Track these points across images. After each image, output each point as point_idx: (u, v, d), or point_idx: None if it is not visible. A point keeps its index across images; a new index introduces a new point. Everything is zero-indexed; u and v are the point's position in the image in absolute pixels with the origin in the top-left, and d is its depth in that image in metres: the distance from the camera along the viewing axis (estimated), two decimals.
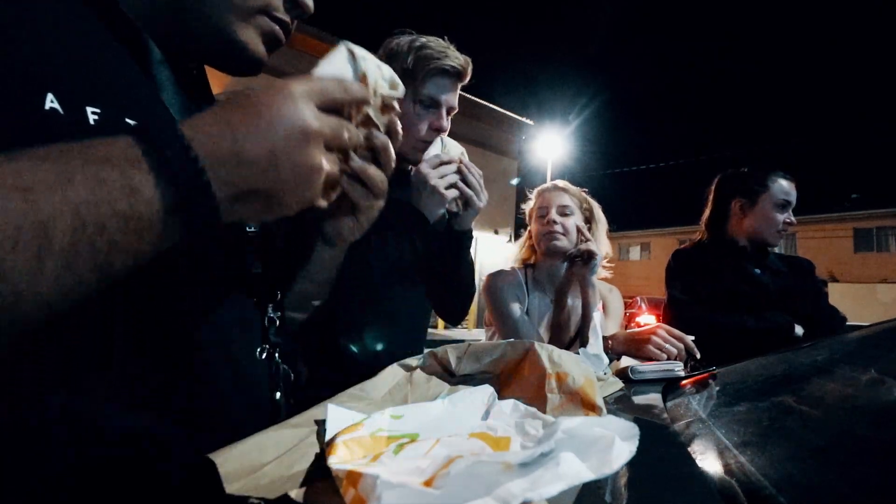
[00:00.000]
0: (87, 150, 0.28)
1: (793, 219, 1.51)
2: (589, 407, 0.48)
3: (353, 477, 0.28)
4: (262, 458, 0.33)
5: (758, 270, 1.52)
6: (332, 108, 0.38)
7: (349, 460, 0.32)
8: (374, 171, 0.47)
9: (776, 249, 1.64)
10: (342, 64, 0.42)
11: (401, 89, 0.46)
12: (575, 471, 0.27)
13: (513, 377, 0.55)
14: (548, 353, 0.54)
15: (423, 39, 0.95)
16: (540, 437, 0.35)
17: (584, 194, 1.40)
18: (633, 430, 0.32)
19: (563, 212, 1.32)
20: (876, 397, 0.54)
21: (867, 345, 0.74)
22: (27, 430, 0.33)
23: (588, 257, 1.22)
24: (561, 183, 1.40)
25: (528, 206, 1.44)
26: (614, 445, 0.29)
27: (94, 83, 0.37)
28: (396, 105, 0.47)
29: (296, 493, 0.30)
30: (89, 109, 0.36)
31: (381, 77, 0.44)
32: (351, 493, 0.28)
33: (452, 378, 0.57)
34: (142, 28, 0.44)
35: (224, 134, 0.31)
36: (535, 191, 1.44)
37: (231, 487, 0.30)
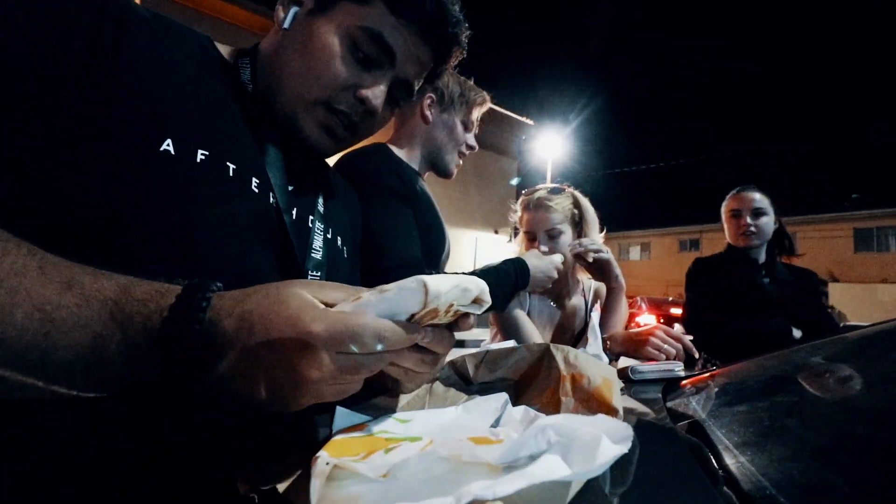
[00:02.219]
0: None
1: (749, 221, 1.74)
2: (605, 409, 0.45)
3: (313, 462, 0.28)
4: None
5: (766, 279, 1.77)
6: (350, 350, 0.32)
7: (338, 457, 0.32)
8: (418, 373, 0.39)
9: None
10: (410, 299, 0.33)
11: (485, 306, 0.39)
12: (548, 469, 0.25)
13: (530, 382, 0.54)
14: (563, 354, 0.52)
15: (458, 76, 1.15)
16: (520, 435, 0.32)
17: (569, 196, 1.31)
18: (625, 430, 0.30)
19: (552, 234, 1.26)
20: (876, 397, 0.54)
21: (867, 345, 0.74)
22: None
23: (601, 263, 1.22)
24: (544, 197, 1.29)
25: (514, 217, 1.37)
26: (600, 445, 0.27)
27: (208, 129, 0.44)
28: (471, 318, 0.40)
29: (281, 487, 0.30)
30: (199, 151, 0.42)
31: (460, 299, 0.36)
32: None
33: (471, 387, 0.55)
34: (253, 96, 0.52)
35: (230, 345, 0.31)
36: (519, 203, 1.35)
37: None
